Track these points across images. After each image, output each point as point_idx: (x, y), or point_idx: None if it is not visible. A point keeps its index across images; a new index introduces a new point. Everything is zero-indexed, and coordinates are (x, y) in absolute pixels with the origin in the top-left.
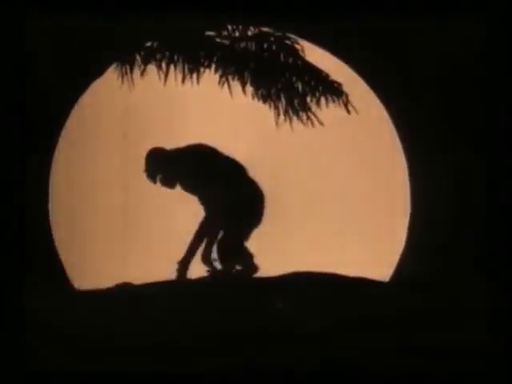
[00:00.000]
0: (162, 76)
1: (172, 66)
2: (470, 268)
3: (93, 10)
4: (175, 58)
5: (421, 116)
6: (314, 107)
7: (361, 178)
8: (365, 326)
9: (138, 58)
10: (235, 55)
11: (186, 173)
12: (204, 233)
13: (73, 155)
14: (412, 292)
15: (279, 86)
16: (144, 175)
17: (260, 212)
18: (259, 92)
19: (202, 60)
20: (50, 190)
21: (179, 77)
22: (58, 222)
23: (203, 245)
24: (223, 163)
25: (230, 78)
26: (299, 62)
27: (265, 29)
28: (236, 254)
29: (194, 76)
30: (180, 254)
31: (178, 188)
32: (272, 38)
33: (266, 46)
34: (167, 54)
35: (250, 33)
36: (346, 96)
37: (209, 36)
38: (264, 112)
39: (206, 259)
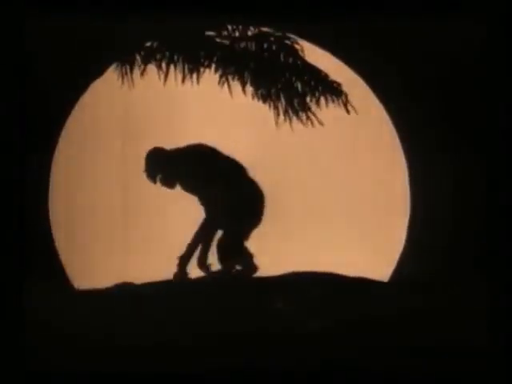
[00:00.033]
0: (162, 76)
1: (172, 66)
2: (470, 268)
3: (93, 9)
4: (175, 57)
5: (421, 116)
6: (313, 107)
7: (361, 178)
8: (365, 326)
9: (138, 58)
10: (235, 55)
11: (186, 173)
12: (204, 233)
13: (73, 155)
14: (412, 292)
15: (279, 85)
16: (144, 175)
17: (260, 212)
18: (259, 92)
19: (202, 60)
20: (50, 190)
21: (179, 77)
22: (57, 222)
23: (198, 250)
24: (223, 163)
25: (229, 77)
26: (299, 62)
27: (265, 29)
28: (236, 253)
29: (194, 76)
30: (180, 253)
31: (178, 188)
32: (272, 38)
33: (266, 46)
34: (167, 53)
35: (249, 33)
36: (346, 96)
37: (209, 36)
38: (264, 112)
39: (202, 264)
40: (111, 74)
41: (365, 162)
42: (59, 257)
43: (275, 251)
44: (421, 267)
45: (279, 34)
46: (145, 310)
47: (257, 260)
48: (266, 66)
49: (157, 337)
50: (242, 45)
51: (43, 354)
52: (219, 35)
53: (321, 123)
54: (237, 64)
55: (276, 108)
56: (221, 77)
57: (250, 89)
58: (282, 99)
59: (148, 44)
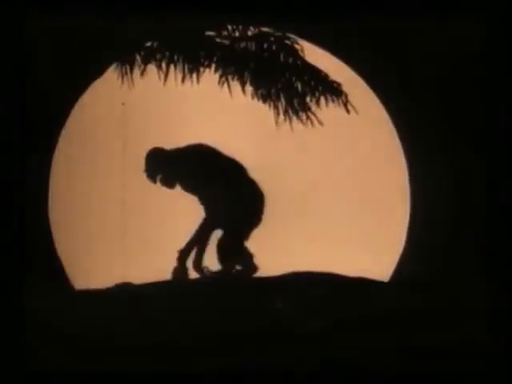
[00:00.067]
0: (162, 76)
1: (172, 66)
2: (470, 268)
3: (93, 9)
4: (175, 58)
5: (421, 116)
6: (313, 107)
7: (360, 178)
8: (365, 326)
9: (138, 57)
10: (235, 55)
11: (186, 173)
12: (204, 233)
13: (73, 155)
14: (412, 292)
15: (279, 85)
16: (144, 175)
17: (260, 212)
18: (259, 92)
19: (202, 60)
20: (50, 190)
21: (179, 77)
22: (57, 222)
23: (193, 253)
24: (223, 163)
25: (229, 77)
26: (299, 62)
27: (265, 29)
28: (236, 253)
29: (194, 76)
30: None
31: (178, 188)
32: (272, 38)
33: (265, 46)
34: (167, 53)
35: (250, 33)
36: (346, 96)
37: (209, 36)
38: (264, 112)
39: (198, 267)
40: (111, 73)
41: (365, 161)
42: (59, 257)
43: (275, 251)
44: (421, 267)
45: (279, 33)
46: (145, 310)
47: (257, 260)
48: (265, 66)
49: (157, 337)
50: (242, 45)
51: (43, 353)
52: (219, 35)
53: (321, 123)
54: (237, 64)
55: (276, 108)
56: (221, 77)
57: (249, 89)
58: (282, 99)
59: (148, 44)
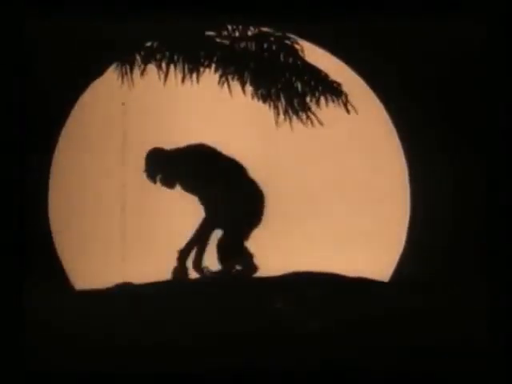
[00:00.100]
0: (162, 76)
1: (172, 66)
2: (470, 268)
3: (93, 9)
4: (175, 57)
5: (421, 116)
6: (313, 107)
7: (360, 178)
8: (365, 326)
9: (138, 57)
10: (235, 55)
11: (186, 173)
12: (204, 233)
13: (73, 155)
14: (412, 292)
15: (279, 85)
16: (144, 175)
17: (260, 212)
18: (259, 92)
19: (202, 60)
20: (50, 190)
21: (179, 77)
22: (57, 222)
23: (193, 253)
24: (223, 163)
25: (229, 77)
26: (299, 62)
27: (265, 29)
28: (236, 253)
29: (194, 76)
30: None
31: (178, 188)
32: (272, 38)
33: (265, 46)
34: (167, 53)
35: (249, 33)
36: (346, 96)
37: (209, 36)
38: (264, 112)
39: (198, 267)
40: (111, 73)
41: (365, 161)
42: (59, 257)
43: (275, 251)
44: (421, 267)
45: (279, 33)
46: (145, 310)
47: (257, 260)
48: (265, 66)
49: (157, 337)
50: (242, 45)
51: (43, 353)
52: (219, 35)
53: (321, 123)
54: (237, 64)
55: (276, 108)
56: (221, 77)
57: (249, 89)
58: (282, 99)
59: (148, 44)
